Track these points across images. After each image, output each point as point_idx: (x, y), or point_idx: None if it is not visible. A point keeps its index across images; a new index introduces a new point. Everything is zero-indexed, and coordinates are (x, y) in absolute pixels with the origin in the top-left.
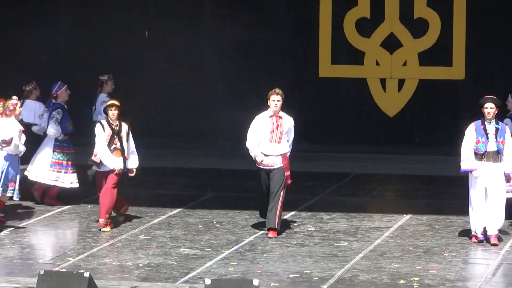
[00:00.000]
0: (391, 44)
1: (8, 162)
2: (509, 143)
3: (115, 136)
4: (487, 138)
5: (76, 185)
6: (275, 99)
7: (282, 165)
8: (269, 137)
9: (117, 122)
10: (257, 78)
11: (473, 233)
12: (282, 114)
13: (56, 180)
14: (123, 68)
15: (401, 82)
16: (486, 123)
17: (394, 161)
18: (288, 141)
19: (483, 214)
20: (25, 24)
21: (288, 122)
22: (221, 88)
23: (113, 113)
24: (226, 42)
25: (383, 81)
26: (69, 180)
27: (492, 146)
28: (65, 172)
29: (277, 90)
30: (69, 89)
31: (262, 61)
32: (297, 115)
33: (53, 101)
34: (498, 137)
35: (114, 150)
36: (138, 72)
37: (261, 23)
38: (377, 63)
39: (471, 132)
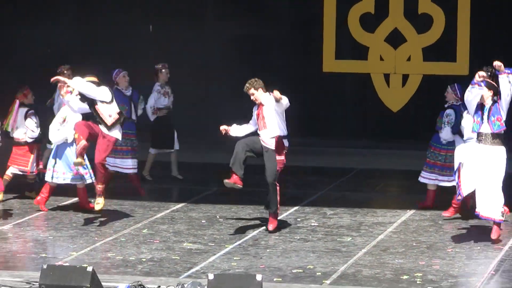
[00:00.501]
0: (395, 39)
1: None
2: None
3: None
4: (482, 119)
5: (134, 170)
6: (249, 95)
7: (273, 148)
8: (258, 126)
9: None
10: (260, 74)
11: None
12: (265, 99)
13: (113, 166)
14: (126, 64)
15: (405, 78)
16: (484, 106)
17: (397, 156)
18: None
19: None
20: (26, 21)
21: (268, 106)
22: (224, 84)
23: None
24: (229, 38)
25: (387, 76)
26: (127, 165)
27: (486, 128)
28: (120, 158)
29: (245, 85)
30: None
31: (265, 58)
32: (300, 110)
33: (116, 87)
34: (492, 117)
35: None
36: (141, 69)
37: (264, 20)
38: (381, 58)
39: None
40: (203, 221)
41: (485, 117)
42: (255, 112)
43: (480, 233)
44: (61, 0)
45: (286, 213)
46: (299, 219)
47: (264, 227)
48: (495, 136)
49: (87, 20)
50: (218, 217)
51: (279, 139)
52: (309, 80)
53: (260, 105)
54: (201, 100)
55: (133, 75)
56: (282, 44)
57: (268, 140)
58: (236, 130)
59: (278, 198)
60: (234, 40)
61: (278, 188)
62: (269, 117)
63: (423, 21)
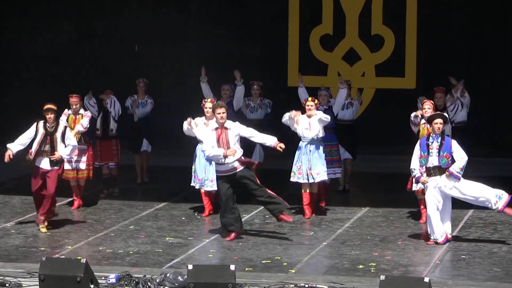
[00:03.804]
0: (351, 57)
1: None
2: (457, 153)
3: (47, 138)
4: (429, 153)
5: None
6: (220, 112)
7: (242, 167)
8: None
9: (53, 125)
10: (235, 86)
11: (432, 239)
12: (228, 124)
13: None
14: (117, 77)
15: (360, 91)
16: (430, 138)
17: (355, 160)
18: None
19: (437, 220)
20: (29, 36)
21: (233, 131)
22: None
23: (49, 117)
24: (208, 53)
25: None
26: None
27: (434, 161)
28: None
29: (220, 102)
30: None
31: (240, 70)
32: (270, 120)
33: None
34: (441, 152)
35: (43, 152)
36: (130, 81)
37: (239, 37)
38: (339, 74)
39: (417, 147)
40: (183, 218)
41: (435, 151)
42: (214, 134)
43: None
44: (59, 19)
45: (256, 211)
46: (267, 216)
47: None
48: (442, 169)
49: (84, 36)
50: (196, 214)
51: (242, 158)
52: (276, 93)
53: (223, 128)
54: (182, 107)
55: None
56: (253, 60)
57: (230, 163)
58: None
59: (276, 194)
60: (212, 55)
61: (267, 189)
62: (233, 141)
63: (376, 41)
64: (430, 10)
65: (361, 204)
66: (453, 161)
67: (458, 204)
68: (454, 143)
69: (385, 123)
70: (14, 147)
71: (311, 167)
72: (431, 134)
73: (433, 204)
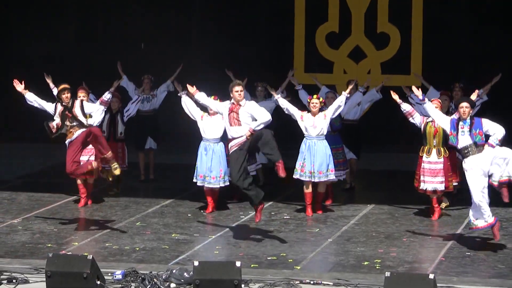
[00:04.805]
0: (357, 55)
1: None
2: (492, 128)
3: (66, 113)
4: (459, 132)
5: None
6: (238, 90)
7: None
8: (228, 122)
9: (69, 102)
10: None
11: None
12: (243, 102)
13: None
14: (119, 77)
15: (365, 89)
16: (460, 121)
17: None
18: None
19: (486, 205)
20: (31, 36)
21: (247, 108)
22: (208, 94)
23: (66, 96)
24: (213, 53)
25: None
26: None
27: (467, 140)
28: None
29: (238, 80)
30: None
31: (244, 70)
32: (276, 116)
33: None
34: (473, 130)
35: (71, 128)
36: (135, 79)
37: (243, 37)
38: (345, 72)
39: (446, 120)
40: (189, 215)
41: (466, 130)
42: (227, 106)
43: (431, 225)
44: (64, 19)
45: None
46: (273, 213)
47: (242, 220)
48: (478, 145)
49: (87, 35)
50: (202, 211)
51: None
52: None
53: (238, 104)
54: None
55: (120, 89)
56: (258, 59)
57: (239, 135)
58: (200, 96)
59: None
60: (217, 54)
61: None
62: (244, 117)
63: (381, 39)
64: (435, 8)
65: (366, 201)
66: (487, 138)
67: (463, 202)
68: (486, 121)
69: (390, 121)
70: (30, 94)
71: (315, 165)
72: (460, 118)
73: (478, 191)
